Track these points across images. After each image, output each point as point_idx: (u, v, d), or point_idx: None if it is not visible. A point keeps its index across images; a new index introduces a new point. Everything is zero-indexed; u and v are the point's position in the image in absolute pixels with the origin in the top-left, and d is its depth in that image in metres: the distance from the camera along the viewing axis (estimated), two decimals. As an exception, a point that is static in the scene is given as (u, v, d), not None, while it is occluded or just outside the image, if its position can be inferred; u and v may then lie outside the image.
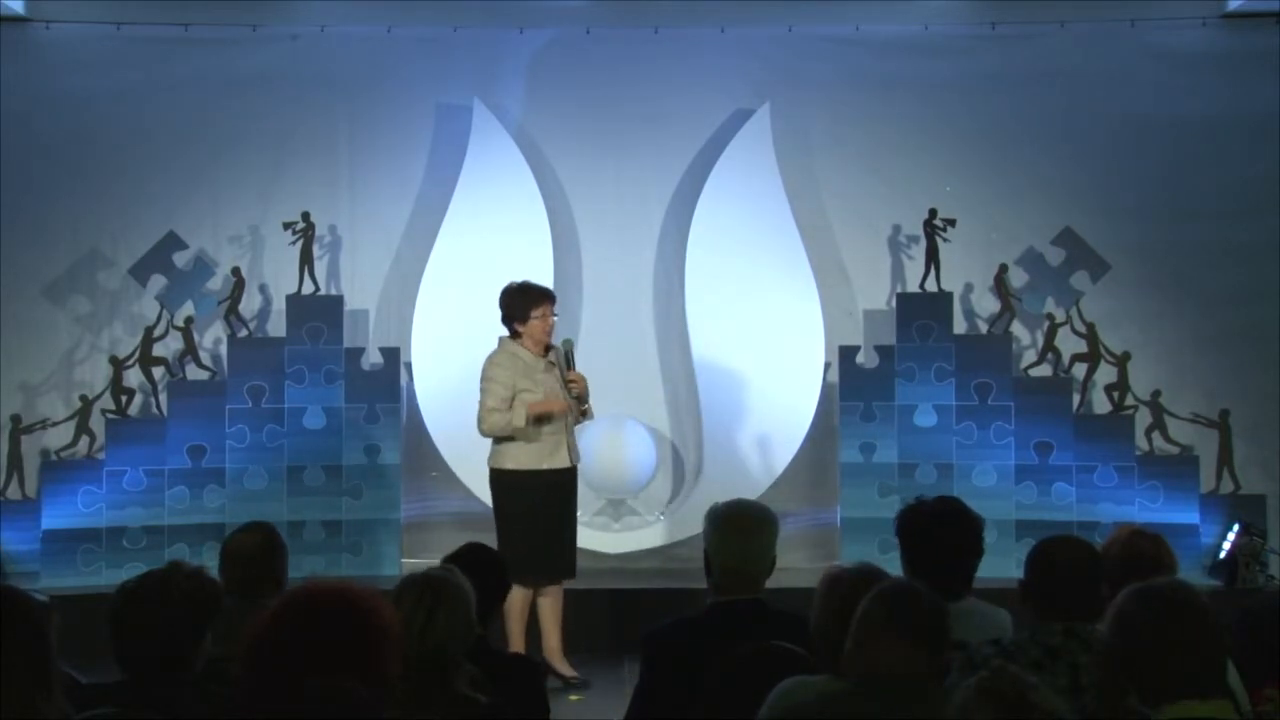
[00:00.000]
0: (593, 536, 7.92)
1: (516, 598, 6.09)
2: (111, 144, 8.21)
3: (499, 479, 6.33)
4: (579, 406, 6.28)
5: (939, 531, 3.69)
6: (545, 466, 6.22)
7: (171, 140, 8.22)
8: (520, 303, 6.32)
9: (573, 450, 6.33)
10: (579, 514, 8.04)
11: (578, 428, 6.50)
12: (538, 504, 6.22)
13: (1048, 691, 2.20)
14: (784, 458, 7.98)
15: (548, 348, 6.35)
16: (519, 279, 6.46)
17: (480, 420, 6.26)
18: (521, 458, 6.22)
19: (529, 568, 6.11)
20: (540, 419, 6.21)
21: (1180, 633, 2.48)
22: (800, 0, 8.30)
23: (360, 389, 7.84)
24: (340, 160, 8.37)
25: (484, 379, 6.28)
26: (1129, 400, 7.87)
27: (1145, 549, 3.70)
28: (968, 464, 7.73)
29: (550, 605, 6.32)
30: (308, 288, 7.95)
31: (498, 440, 6.31)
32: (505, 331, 6.40)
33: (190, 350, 7.92)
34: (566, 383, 6.26)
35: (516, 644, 6.14)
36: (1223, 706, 2.48)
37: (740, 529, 3.65)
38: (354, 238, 8.33)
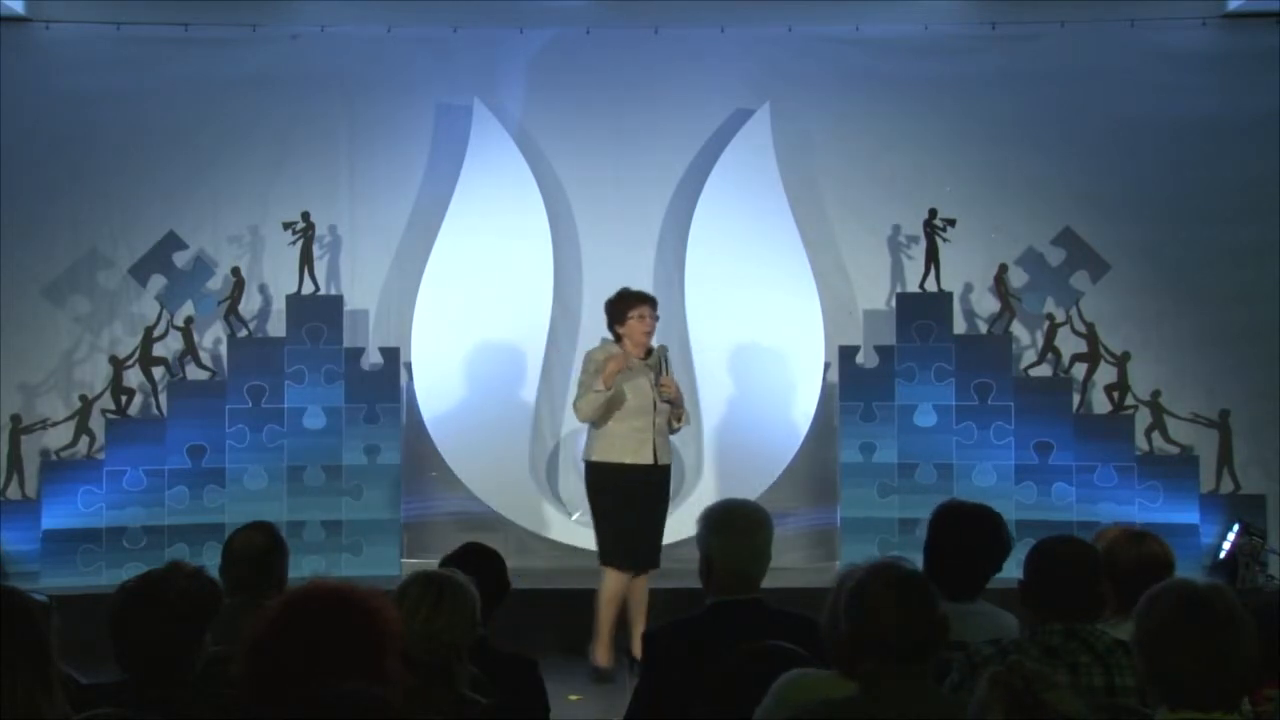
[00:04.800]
0: (593, 536, 7.92)
1: (610, 584, 6.43)
2: (111, 144, 8.22)
3: (587, 470, 6.59)
4: (673, 410, 6.49)
5: (972, 535, 3.71)
6: (628, 461, 6.41)
7: (171, 140, 8.23)
8: (619, 306, 6.55)
9: (660, 450, 6.48)
10: (577, 514, 8.09)
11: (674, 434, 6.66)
12: (621, 496, 6.44)
13: (1068, 692, 2.18)
14: (784, 458, 7.97)
15: (648, 351, 6.51)
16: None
17: (575, 407, 6.53)
18: (606, 450, 6.45)
19: (615, 556, 6.42)
20: (617, 390, 6.39)
21: (1214, 648, 2.43)
22: (800, 0, 8.30)
23: (360, 389, 7.84)
24: (340, 160, 8.37)
25: (582, 371, 6.56)
26: (1129, 400, 7.87)
27: (1156, 552, 3.70)
28: (968, 464, 7.73)
29: (635, 594, 6.46)
30: (308, 288, 7.95)
31: (591, 434, 6.56)
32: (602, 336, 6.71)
33: (190, 350, 7.92)
34: (659, 386, 6.43)
35: (603, 629, 6.41)
36: (1227, 716, 2.46)
37: (740, 529, 3.65)
38: (354, 238, 8.34)
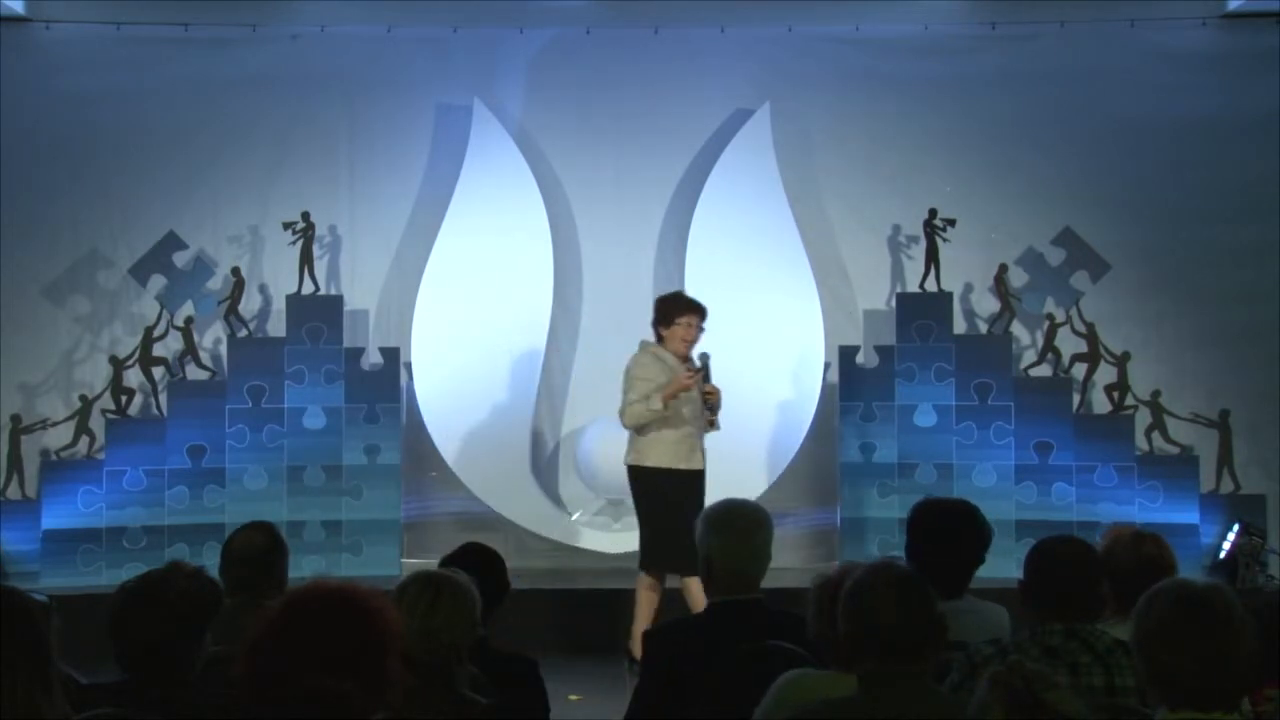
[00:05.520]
0: (593, 536, 7.94)
1: (643, 586, 6.43)
2: (111, 144, 8.22)
3: (637, 475, 6.51)
4: (709, 416, 6.48)
5: (950, 530, 3.72)
6: (681, 466, 6.41)
7: (171, 140, 8.23)
8: (670, 308, 6.54)
9: (703, 454, 6.51)
10: (577, 514, 8.10)
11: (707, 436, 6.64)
12: (672, 500, 6.39)
13: (1068, 692, 2.18)
14: (784, 458, 7.97)
15: (686, 358, 6.50)
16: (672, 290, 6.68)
17: (622, 413, 6.47)
18: (659, 456, 6.42)
19: (664, 559, 6.39)
20: (670, 405, 6.36)
21: (1212, 648, 2.43)
22: (800, 0, 8.30)
23: (360, 389, 7.84)
24: (340, 160, 8.37)
25: (629, 377, 6.52)
26: (1129, 400, 7.87)
27: (1153, 553, 3.70)
28: (968, 464, 7.73)
29: (695, 595, 6.33)
30: (308, 288, 7.95)
31: (637, 439, 6.48)
32: (648, 336, 6.68)
33: (190, 350, 7.92)
34: (704, 394, 6.43)
35: (639, 626, 6.32)
36: (1229, 716, 2.46)
37: (740, 530, 3.65)
38: (354, 238, 8.34)
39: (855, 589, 2.70)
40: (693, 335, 6.50)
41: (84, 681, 3.04)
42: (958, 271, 8.13)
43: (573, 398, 8.31)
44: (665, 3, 8.29)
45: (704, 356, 6.55)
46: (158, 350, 7.90)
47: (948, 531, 3.74)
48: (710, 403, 6.45)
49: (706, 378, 6.49)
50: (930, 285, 7.96)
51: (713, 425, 6.53)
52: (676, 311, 6.51)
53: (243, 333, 7.98)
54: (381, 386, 7.88)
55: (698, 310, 6.54)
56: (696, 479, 6.45)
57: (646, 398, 6.36)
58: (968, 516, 3.79)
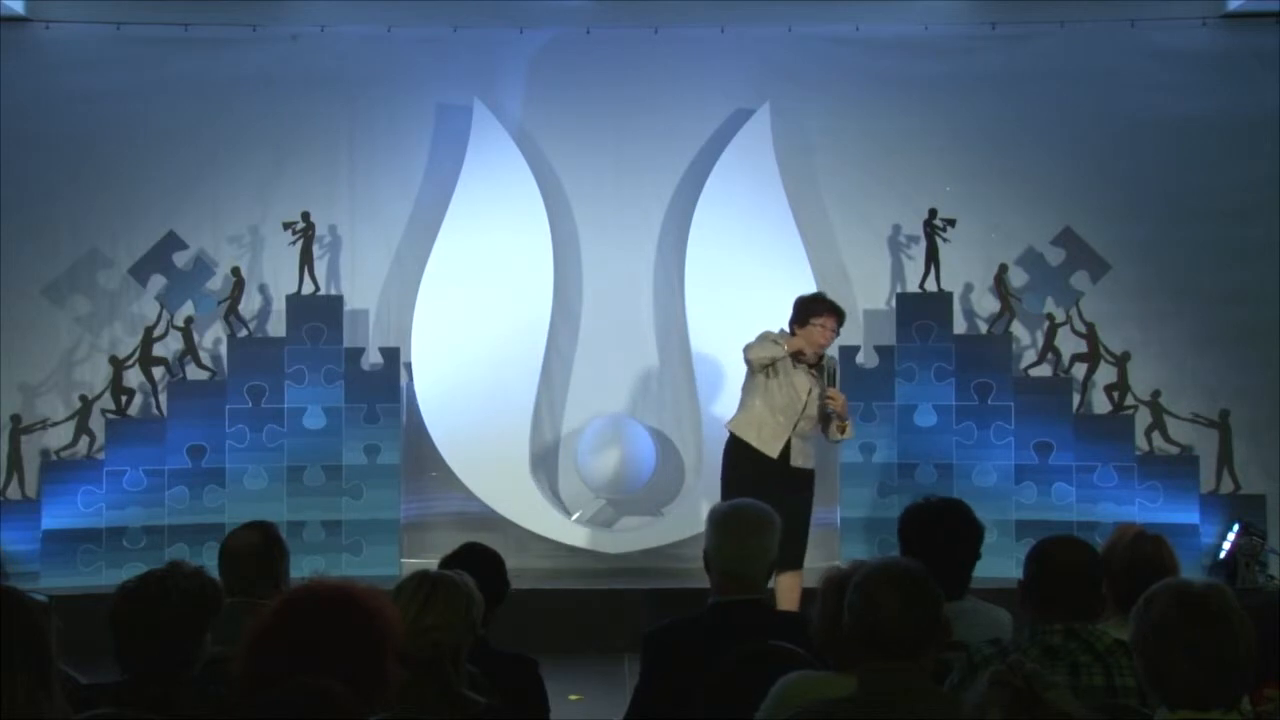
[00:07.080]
0: (593, 536, 7.93)
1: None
2: (111, 144, 8.22)
3: (729, 442, 6.42)
4: (838, 422, 6.36)
5: (940, 531, 3.70)
6: (759, 446, 6.29)
7: (171, 140, 8.23)
8: (808, 308, 6.40)
9: (795, 451, 6.33)
10: (577, 514, 8.09)
11: (831, 440, 6.55)
12: (745, 477, 6.23)
13: (1066, 692, 2.19)
14: (784, 458, 7.96)
15: (813, 364, 6.37)
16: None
17: (748, 346, 6.36)
18: (745, 428, 6.34)
19: None
20: (774, 391, 6.30)
21: (1211, 648, 2.43)
22: (800, 0, 8.30)
23: (360, 389, 7.84)
24: (340, 160, 8.37)
25: (761, 334, 6.40)
26: (1129, 400, 7.88)
27: (1148, 552, 3.70)
28: (968, 464, 7.73)
29: (780, 593, 6.26)
30: (308, 288, 7.96)
31: (741, 407, 6.41)
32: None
33: (190, 350, 7.92)
34: (825, 397, 6.30)
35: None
36: (1228, 715, 2.46)
37: (742, 530, 3.65)
38: (354, 238, 8.34)
39: (861, 584, 2.70)
40: (826, 338, 6.35)
41: (84, 681, 3.05)
42: (958, 271, 8.13)
43: (573, 398, 8.31)
44: (665, 3, 8.29)
45: (830, 360, 6.40)
46: (158, 350, 7.90)
47: (941, 533, 3.72)
48: (832, 408, 6.29)
49: (832, 382, 6.33)
50: (930, 285, 7.96)
51: (843, 431, 6.41)
52: (813, 312, 6.36)
53: (243, 333, 7.99)
54: (381, 386, 7.88)
55: (836, 313, 6.39)
56: (767, 464, 6.25)
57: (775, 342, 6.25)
58: (958, 515, 3.77)
